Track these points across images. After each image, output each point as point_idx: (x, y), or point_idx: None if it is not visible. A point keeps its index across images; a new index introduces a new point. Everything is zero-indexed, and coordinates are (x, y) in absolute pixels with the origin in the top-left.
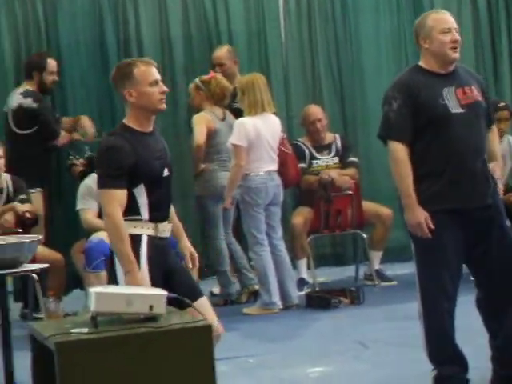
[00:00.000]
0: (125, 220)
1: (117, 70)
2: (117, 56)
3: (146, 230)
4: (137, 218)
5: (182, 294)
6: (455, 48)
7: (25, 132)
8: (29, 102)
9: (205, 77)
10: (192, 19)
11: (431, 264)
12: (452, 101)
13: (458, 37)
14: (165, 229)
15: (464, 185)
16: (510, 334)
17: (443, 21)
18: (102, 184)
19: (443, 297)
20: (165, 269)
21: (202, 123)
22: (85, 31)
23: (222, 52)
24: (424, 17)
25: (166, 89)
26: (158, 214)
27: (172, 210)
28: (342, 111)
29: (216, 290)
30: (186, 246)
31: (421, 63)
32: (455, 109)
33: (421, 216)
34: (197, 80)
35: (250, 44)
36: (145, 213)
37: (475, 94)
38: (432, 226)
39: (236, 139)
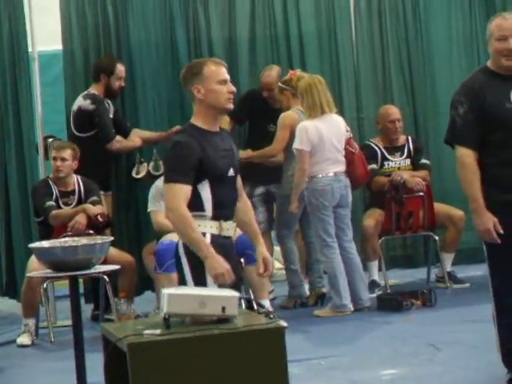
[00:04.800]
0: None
1: (187, 68)
2: (187, 56)
3: (209, 229)
4: (201, 213)
5: None
6: (509, 56)
7: (84, 135)
8: (87, 104)
9: (285, 77)
10: (259, 19)
11: (504, 267)
12: None
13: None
14: (229, 227)
15: None
16: None
17: (501, 27)
18: (168, 179)
19: None
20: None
21: (286, 127)
22: (155, 33)
23: (272, 77)
24: (492, 19)
25: (234, 89)
26: (221, 212)
27: (252, 215)
28: (413, 112)
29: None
30: (262, 251)
31: (489, 63)
32: None
33: (489, 222)
34: (279, 84)
35: (321, 44)
36: (209, 209)
37: None
38: (501, 231)
39: (298, 144)
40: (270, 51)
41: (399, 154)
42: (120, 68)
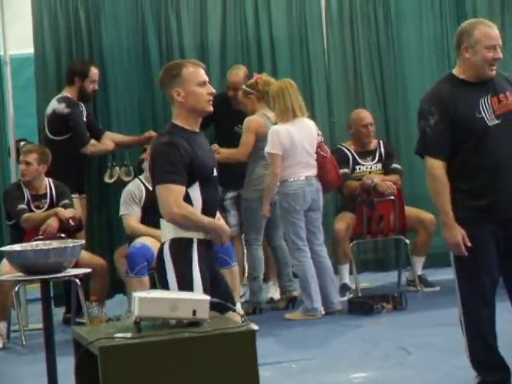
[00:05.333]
0: None
1: (165, 71)
2: (159, 62)
3: (196, 234)
4: None
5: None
6: (494, 65)
7: (58, 138)
8: (61, 108)
9: (250, 81)
10: (231, 25)
11: (470, 271)
12: (488, 112)
13: (500, 55)
14: None
15: (503, 198)
16: None
17: (490, 36)
18: (164, 179)
19: (482, 303)
20: (212, 273)
21: (251, 132)
22: (127, 37)
23: (239, 77)
24: (472, 25)
25: (213, 90)
26: (209, 215)
27: None
28: (385, 117)
29: (276, 295)
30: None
31: (455, 71)
32: (491, 121)
33: (458, 235)
34: (243, 87)
35: (292, 50)
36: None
37: (510, 100)
38: (469, 244)
39: (271, 147)
40: (240, 57)
41: (371, 158)
42: (94, 71)
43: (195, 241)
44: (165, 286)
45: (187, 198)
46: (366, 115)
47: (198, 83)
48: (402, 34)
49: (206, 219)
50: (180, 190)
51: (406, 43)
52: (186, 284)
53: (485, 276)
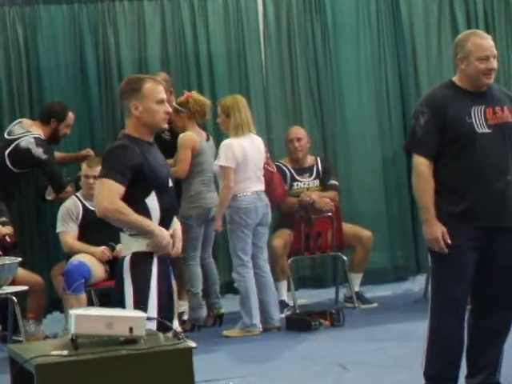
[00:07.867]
0: (137, 234)
1: (126, 83)
2: (97, 78)
3: None
4: None
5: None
6: (489, 75)
7: (15, 170)
8: (39, 153)
9: (181, 98)
10: (169, 40)
11: (446, 279)
12: (479, 120)
13: (494, 65)
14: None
15: (484, 204)
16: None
17: (482, 48)
18: (104, 175)
19: (452, 314)
20: (167, 286)
21: (187, 148)
22: (65, 53)
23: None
24: (465, 37)
25: (169, 109)
26: (167, 223)
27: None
28: (322, 133)
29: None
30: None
31: (455, 79)
32: (481, 128)
33: (438, 231)
34: (174, 104)
35: (230, 65)
36: (156, 221)
37: (506, 114)
38: (449, 241)
39: (224, 161)
40: (180, 72)
41: (308, 174)
42: (71, 116)
43: (156, 256)
44: (121, 299)
45: (145, 209)
46: (293, 131)
47: (156, 101)
48: (340, 50)
49: (143, 220)
50: (116, 187)
51: (344, 59)
52: (141, 299)
53: (458, 286)
